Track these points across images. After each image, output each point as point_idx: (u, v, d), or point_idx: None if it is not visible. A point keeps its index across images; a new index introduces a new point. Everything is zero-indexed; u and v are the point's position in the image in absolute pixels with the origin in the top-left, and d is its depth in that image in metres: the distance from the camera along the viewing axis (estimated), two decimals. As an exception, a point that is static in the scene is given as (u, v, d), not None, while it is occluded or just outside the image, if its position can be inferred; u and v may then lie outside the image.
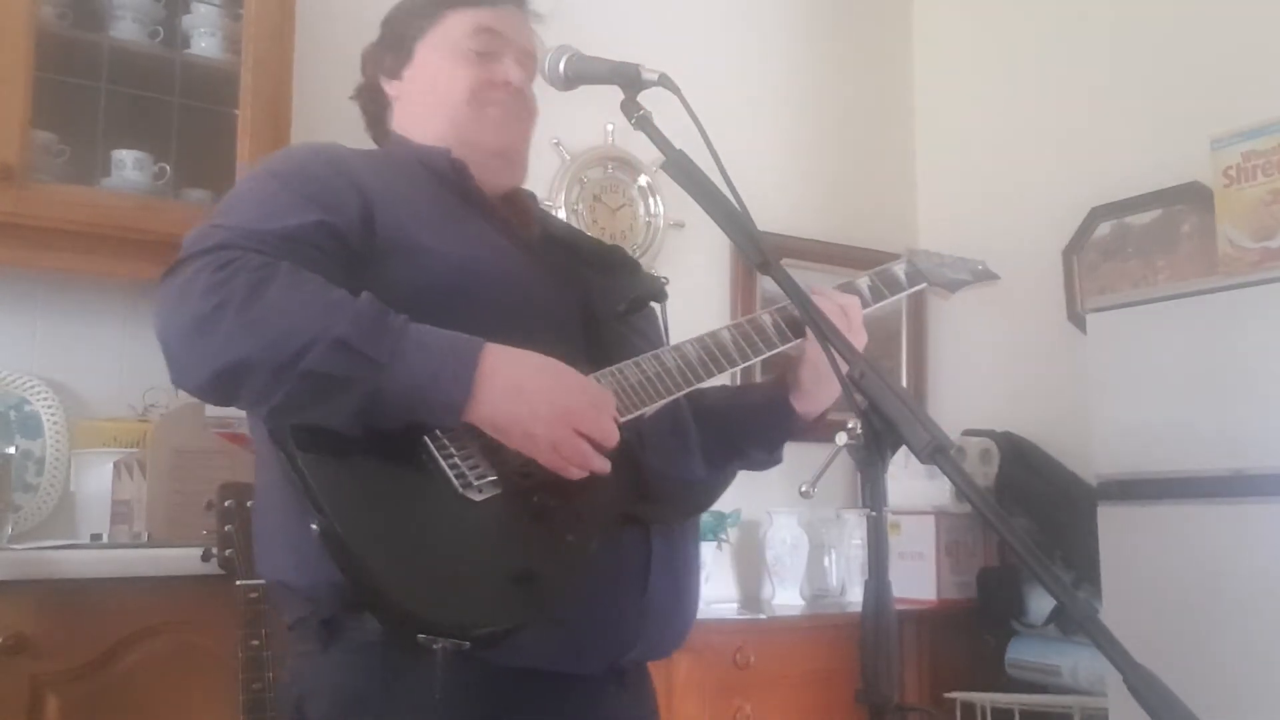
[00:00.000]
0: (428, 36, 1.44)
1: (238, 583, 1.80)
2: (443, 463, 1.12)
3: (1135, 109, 3.10)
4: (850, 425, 1.07)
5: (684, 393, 1.28)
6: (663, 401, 1.25)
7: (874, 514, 1.05)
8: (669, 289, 1.49)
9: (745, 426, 1.47)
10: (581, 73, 1.32)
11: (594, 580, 1.16)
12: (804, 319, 1.11)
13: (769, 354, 1.36)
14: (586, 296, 1.36)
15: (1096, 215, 3.16)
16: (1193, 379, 2.31)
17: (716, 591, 2.94)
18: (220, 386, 1.12)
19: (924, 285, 1.56)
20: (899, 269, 1.54)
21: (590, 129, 3.07)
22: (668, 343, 1.37)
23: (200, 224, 1.20)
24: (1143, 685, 0.86)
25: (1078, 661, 2.76)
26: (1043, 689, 2.82)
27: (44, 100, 2.13)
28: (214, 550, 1.82)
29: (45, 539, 2.13)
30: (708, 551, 2.78)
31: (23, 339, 2.38)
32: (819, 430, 1.46)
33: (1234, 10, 2.91)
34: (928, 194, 3.73)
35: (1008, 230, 3.37)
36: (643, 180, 3.16)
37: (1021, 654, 2.92)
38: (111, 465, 2.13)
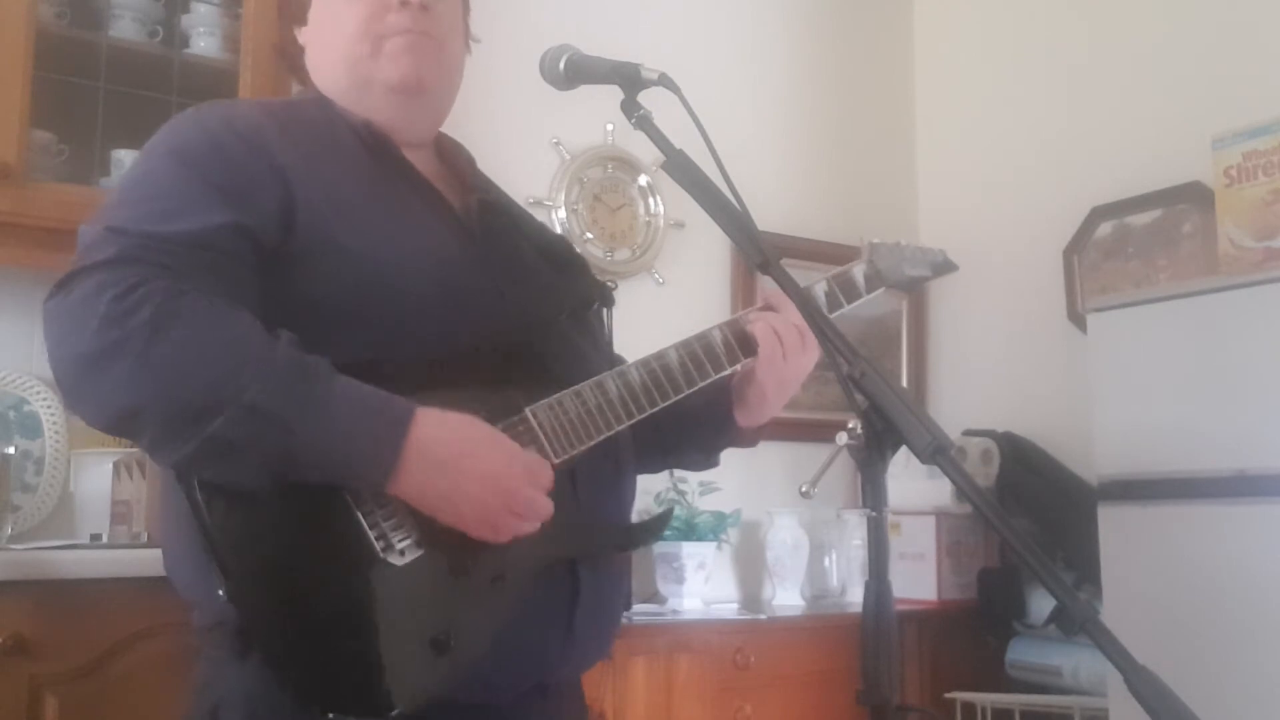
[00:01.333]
0: None
1: (237, 583, 1.80)
2: (363, 522, 1.04)
3: (1136, 108, 3.10)
4: (850, 425, 1.07)
5: (625, 425, 1.21)
6: (603, 437, 1.19)
7: (874, 514, 1.04)
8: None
9: (683, 431, 1.41)
10: (581, 72, 1.32)
11: (516, 620, 1.12)
12: (804, 316, 1.11)
13: (716, 377, 1.29)
14: (530, 295, 1.25)
15: (1097, 215, 3.16)
16: (1194, 379, 2.31)
17: (717, 592, 2.94)
18: (118, 430, 1.04)
19: (881, 289, 1.48)
20: (858, 272, 1.44)
21: (590, 128, 3.07)
22: (611, 351, 1.34)
23: (95, 217, 1.06)
24: (1144, 686, 0.86)
25: (1078, 662, 2.76)
26: (1043, 690, 2.81)
27: (43, 100, 2.13)
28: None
29: (44, 539, 2.13)
30: (708, 551, 2.78)
31: (22, 339, 2.37)
32: (808, 432, 1.45)
33: (1235, 10, 2.91)
34: (928, 194, 3.73)
35: (1008, 230, 3.37)
36: (643, 180, 3.15)
37: (1022, 654, 2.92)
38: (111, 465, 2.13)
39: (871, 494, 1.04)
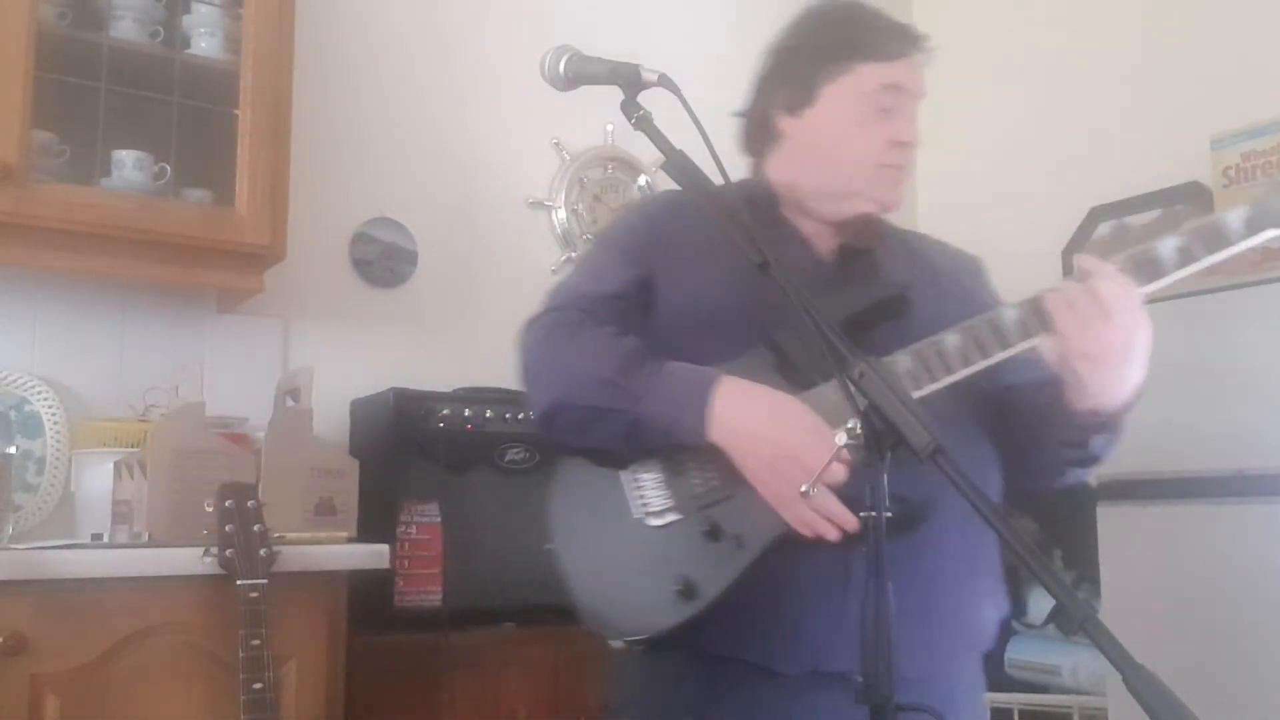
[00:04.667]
0: (835, 84, 1.44)
1: (238, 583, 1.80)
2: (629, 494, 1.35)
3: (1135, 109, 3.10)
4: (850, 425, 1.07)
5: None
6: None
7: (874, 514, 1.04)
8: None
9: (1032, 431, 1.39)
10: (581, 73, 1.32)
11: (766, 588, 1.27)
12: (802, 315, 1.10)
13: (1003, 355, 1.26)
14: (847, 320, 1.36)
15: (1096, 215, 3.16)
16: (1193, 378, 2.31)
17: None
18: (548, 418, 1.39)
19: (1275, 232, 1.23)
20: (1234, 216, 1.24)
21: (590, 129, 3.07)
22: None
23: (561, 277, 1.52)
24: (1142, 685, 0.86)
25: (1077, 661, 2.76)
26: (1042, 689, 2.81)
27: (44, 100, 2.13)
28: (214, 550, 1.83)
29: (45, 539, 2.13)
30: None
31: (23, 339, 2.38)
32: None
33: (1234, 10, 2.91)
34: (927, 194, 3.73)
35: (1007, 230, 3.36)
36: (643, 180, 3.15)
37: (1021, 653, 2.92)
38: (111, 465, 2.13)
39: (871, 494, 1.04)
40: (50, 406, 2.35)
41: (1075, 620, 0.91)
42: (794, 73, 1.48)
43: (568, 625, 2.55)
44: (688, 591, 1.27)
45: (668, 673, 1.37)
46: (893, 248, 1.52)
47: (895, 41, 1.48)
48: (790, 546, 1.25)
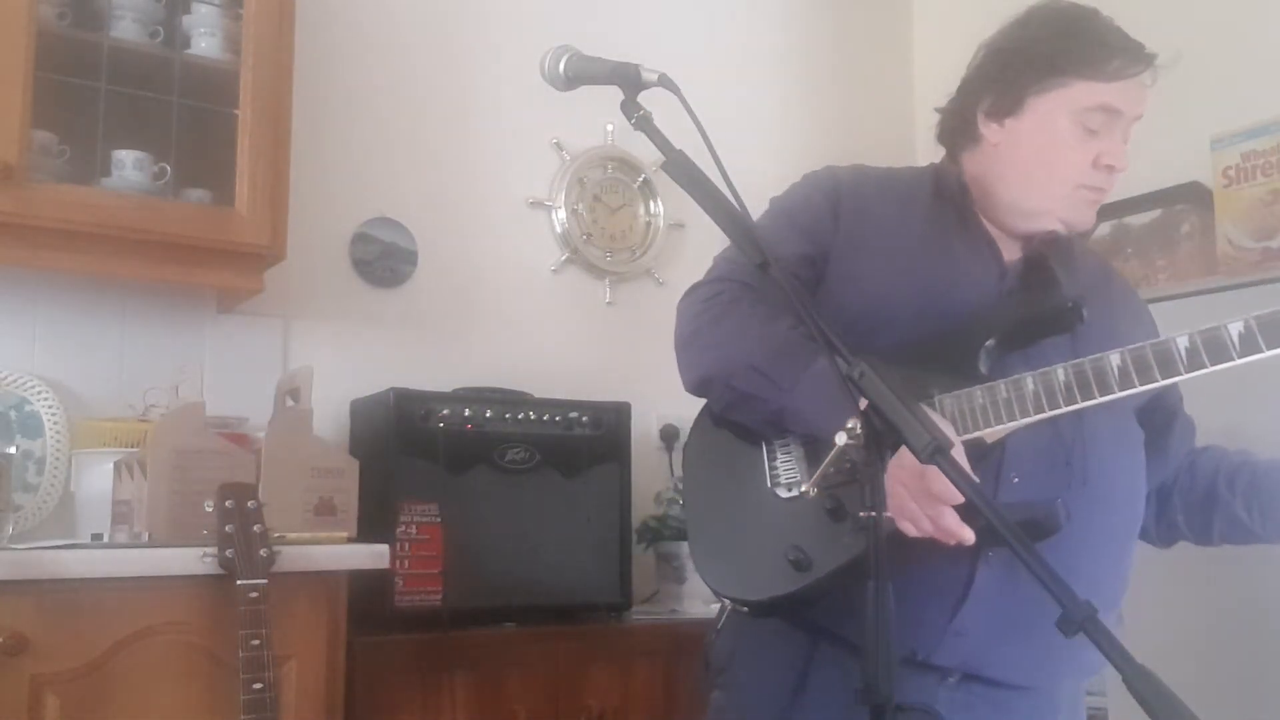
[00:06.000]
0: (1047, 96, 1.40)
1: (238, 583, 1.80)
2: (765, 464, 1.40)
3: (1135, 109, 3.10)
4: (850, 425, 1.07)
5: (1036, 419, 1.24)
6: (1009, 426, 1.25)
7: (874, 514, 1.04)
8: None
9: (1259, 491, 1.49)
10: (581, 73, 1.32)
11: (902, 582, 1.20)
12: (804, 319, 1.10)
13: (1166, 383, 1.23)
14: (1010, 322, 1.36)
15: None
16: (1192, 379, 2.31)
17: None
18: (697, 390, 1.46)
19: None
20: (1234, 328, 1.21)
21: (590, 129, 3.07)
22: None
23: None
24: (1142, 685, 0.86)
25: (1078, 661, 2.76)
26: (1043, 689, 2.81)
27: (44, 100, 2.13)
28: (214, 550, 1.83)
29: (45, 539, 2.13)
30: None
31: (23, 339, 2.38)
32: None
33: (1234, 10, 2.91)
34: (928, 194, 3.73)
35: (1008, 230, 3.37)
36: (643, 180, 3.15)
37: (1021, 654, 2.92)
38: (111, 465, 2.13)
39: (871, 494, 1.04)
40: (50, 406, 2.35)
41: (1075, 621, 0.92)
42: (1003, 76, 1.45)
43: (568, 625, 2.56)
44: (801, 563, 1.29)
45: (771, 638, 1.40)
46: (1076, 266, 1.48)
47: (1118, 60, 1.39)
48: (917, 540, 1.23)
